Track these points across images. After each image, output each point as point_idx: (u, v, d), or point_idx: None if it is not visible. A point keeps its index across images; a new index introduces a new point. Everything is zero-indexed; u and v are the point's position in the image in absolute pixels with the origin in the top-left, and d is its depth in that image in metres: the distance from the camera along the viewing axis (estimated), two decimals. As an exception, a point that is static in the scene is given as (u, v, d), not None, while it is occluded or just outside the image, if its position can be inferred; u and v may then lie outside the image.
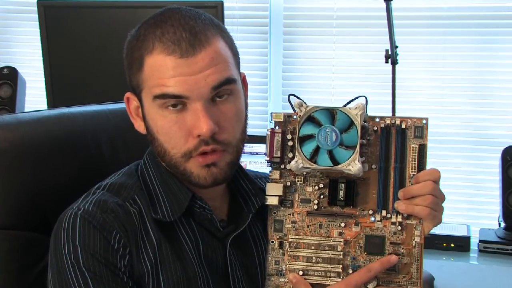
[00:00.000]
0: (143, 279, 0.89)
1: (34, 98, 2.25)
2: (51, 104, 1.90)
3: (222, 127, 0.88)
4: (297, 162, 0.90)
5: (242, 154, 0.97)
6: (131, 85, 0.93)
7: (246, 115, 0.95)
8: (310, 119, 0.91)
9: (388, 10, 1.75)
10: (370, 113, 0.95)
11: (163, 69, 0.86)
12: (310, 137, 0.90)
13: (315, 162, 0.90)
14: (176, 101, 0.87)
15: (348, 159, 0.89)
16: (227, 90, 0.89)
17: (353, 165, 0.88)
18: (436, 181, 0.91)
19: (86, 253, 0.86)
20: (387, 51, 1.76)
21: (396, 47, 1.76)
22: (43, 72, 1.91)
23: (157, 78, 0.87)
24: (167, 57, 0.86)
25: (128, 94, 0.95)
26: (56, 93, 1.90)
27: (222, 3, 1.78)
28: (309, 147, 0.90)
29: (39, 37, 1.88)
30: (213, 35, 0.89)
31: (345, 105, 0.93)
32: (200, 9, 1.97)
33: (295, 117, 0.94)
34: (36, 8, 1.87)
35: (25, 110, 2.03)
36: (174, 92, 0.86)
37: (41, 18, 1.86)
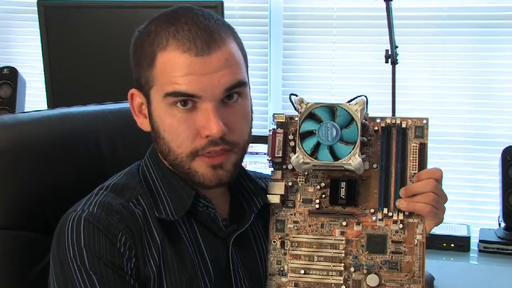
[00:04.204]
0: (148, 281, 0.88)
1: (34, 98, 2.25)
2: (51, 104, 1.89)
3: (231, 128, 0.89)
4: (298, 157, 0.90)
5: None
6: (138, 81, 0.92)
7: (252, 117, 0.95)
8: (311, 115, 0.91)
9: (388, 10, 1.74)
10: (371, 113, 0.95)
11: (177, 66, 0.86)
12: (310, 133, 0.91)
13: (315, 158, 0.90)
14: (187, 100, 0.87)
15: (348, 154, 0.89)
16: (238, 92, 0.89)
17: (353, 160, 0.89)
18: (438, 180, 0.91)
19: (92, 256, 0.85)
20: (387, 51, 1.76)
21: (396, 47, 1.76)
22: (43, 72, 1.90)
23: (169, 75, 0.86)
24: (181, 55, 0.85)
25: (133, 91, 0.94)
26: (56, 93, 1.89)
27: (222, 3, 1.78)
28: (310, 143, 0.90)
29: (39, 37, 1.87)
30: (227, 36, 0.89)
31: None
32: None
33: (296, 119, 0.94)
34: (36, 8, 1.87)
35: (25, 110, 2.03)
36: (187, 90, 0.86)
37: (41, 18, 1.86)
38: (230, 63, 0.87)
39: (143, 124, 0.95)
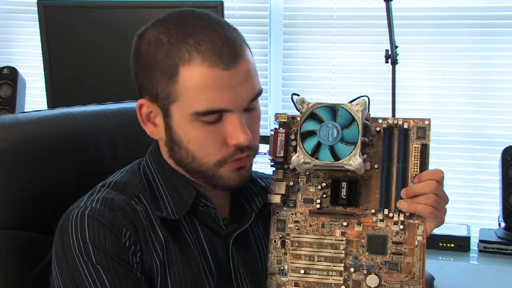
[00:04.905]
0: (152, 275, 0.89)
1: (34, 98, 2.25)
2: (51, 104, 1.89)
3: (252, 133, 0.89)
4: (299, 157, 0.90)
5: None
6: (148, 91, 0.89)
7: None
8: (312, 115, 0.92)
9: (388, 10, 1.75)
10: (371, 113, 0.95)
11: (205, 83, 0.84)
12: (312, 133, 0.91)
13: (316, 158, 0.90)
14: (216, 115, 0.86)
15: (349, 154, 0.89)
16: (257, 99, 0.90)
17: (353, 160, 0.89)
18: (439, 181, 0.91)
19: (98, 251, 0.85)
20: (387, 51, 1.76)
21: (396, 47, 1.76)
22: (43, 72, 1.90)
23: (197, 92, 0.84)
24: (208, 70, 0.84)
25: (142, 102, 0.91)
26: (56, 93, 1.89)
27: (222, 3, 1.78)
28: (311, 142, 0.91)
29: (39, 37, 1.88)
30: (244, 44, 0.88)
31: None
32: (200, 9, 1.97)
33: (298, 119, 0.94)
34: (36, 8, 1.87)
35: (25, 110, 2.03)
36: (217, 107, 0.85)
37: (41, 18, 1.86)
38: (252, 73, 0.88)
39: (154, 132, 0.93)
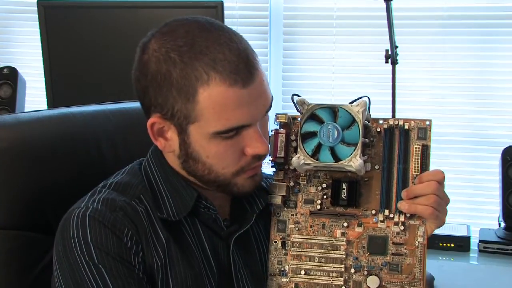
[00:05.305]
0: (154, 275, 0.89)
1: (34, 98, 2.25)
2: (51, 104, 1.90)
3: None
4: (299, 158, 0.90)
5: None
6: (165, 110, 0.86)
7: None
8: (312, 116, 0.92)
9: (388, 10, 1.75)
10: (371, 113, 0.95)
11: (226, 102, 0.83)
12: (312, 134, 0.91)
13: (317, 159, 0.90)
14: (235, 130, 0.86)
15: (350, 155, 0.89)
16: None
17: (354, 161, 0.89)
18: (440, 182, 0.91)
19: (100, 251, 0.85)
20: (387, 51, 1.76)
21: (396, 47, 1.76)
22: (43, 72, 1.90)
23: (219, 112, 0.84)
24: (229, 89, 0.83)
25: (153, 120, 0.88)
26: (56, 93, 1.89)
27: (222, 3, 1.78)
28: (311, 144, 0.91)
29: (39, 37, 1.88)
30: (254, 52, 0.87)
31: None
32: (200, 9, 1.97)
33: (299, 119, 0.94)
34: (36, 8, 1.87)
35: (25, 110, 2.03)
36: (238, 124, 0.85)
37: (41, 18, 1.86)
38: (265, 83, 0.88)
39: (166, 146, 0.91)
